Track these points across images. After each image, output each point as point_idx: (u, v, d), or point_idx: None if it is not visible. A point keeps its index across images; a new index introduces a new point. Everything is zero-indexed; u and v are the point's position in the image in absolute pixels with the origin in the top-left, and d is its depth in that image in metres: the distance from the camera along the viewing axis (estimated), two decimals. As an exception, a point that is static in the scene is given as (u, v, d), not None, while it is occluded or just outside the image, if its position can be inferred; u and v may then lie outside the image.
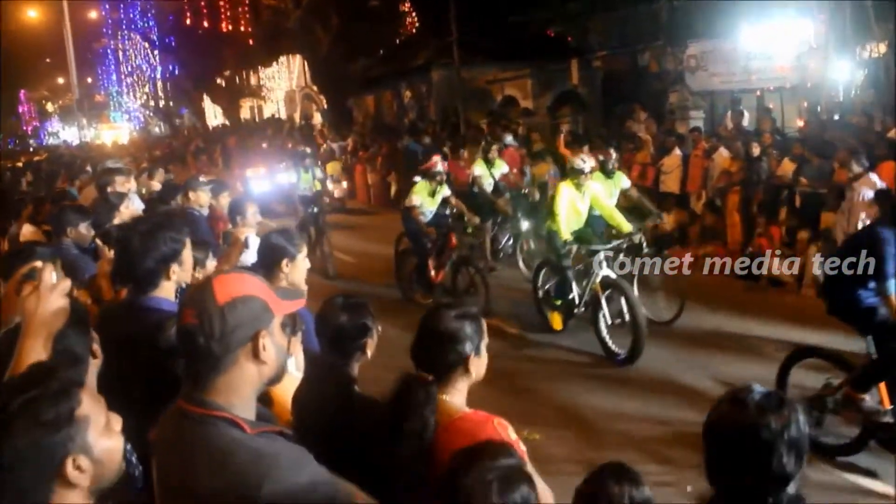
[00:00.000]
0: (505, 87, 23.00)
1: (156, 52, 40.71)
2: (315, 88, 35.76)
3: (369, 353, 2.90)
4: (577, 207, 8.43)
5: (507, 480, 1.85)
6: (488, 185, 12.06)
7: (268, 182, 18.99)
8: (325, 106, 33.48)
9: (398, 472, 2.29)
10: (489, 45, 22.13)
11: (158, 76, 42.15)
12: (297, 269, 3.67)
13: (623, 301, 7.79)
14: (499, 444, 2.10)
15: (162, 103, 43.84)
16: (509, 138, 15.87)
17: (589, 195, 8.46)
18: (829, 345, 6.28)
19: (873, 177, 8.84)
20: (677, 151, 12.70)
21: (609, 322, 7.91)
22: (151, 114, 44.13)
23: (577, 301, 8.48)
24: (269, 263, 3.63)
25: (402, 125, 24.70)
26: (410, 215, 9.85)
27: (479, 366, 2.57)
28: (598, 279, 8.03)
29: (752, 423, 1.86)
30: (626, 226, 8.33)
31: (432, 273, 9.94)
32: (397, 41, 30.32)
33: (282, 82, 45.37)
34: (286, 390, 2.96)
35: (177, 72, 41.27)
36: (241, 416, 1.86)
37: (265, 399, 2.98)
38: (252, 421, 1.89)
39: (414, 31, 30.29)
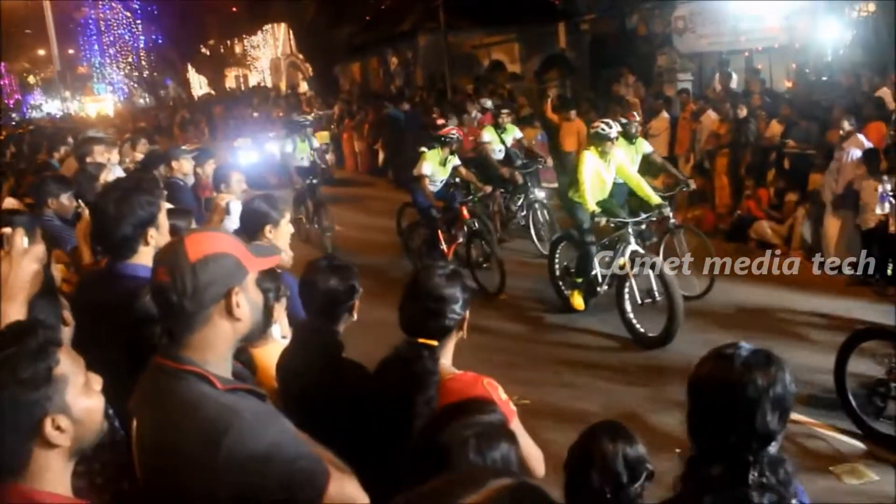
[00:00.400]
0: (492, 52, 22.82)
1: (138, 21, 40.17)
2: (300, 56, 35.46)
3: (355, 315, 2.86)
4: (601, 177, 7.81)
5: (486, 437, 1.81)
6: (499, 153, 11.41)
7: (258, 152, 18.56)
8: (311, 74, 33.17)
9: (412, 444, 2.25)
10: (475, 9, 21.88)
11: (142, 46, 41.62)
12: (281, 234, 3.63)
13: (653, 278, 7.29)
14: (480, 401, 2.07)
15: (146, 74, 43.33)
16: (488, 102, 15.78)
17: (614, 164, 7.84)
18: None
19: (861, 137, 8.81)
20: (665, 114, 12.64)
21: (639, 301, 7.37)
22: (136, 85, 43.63)
23: (599, 279, 7.94)
24: (251, 229, 3.59)
25: (389, 92, 24.50)
26: (419, 186, 9.44)
27: (467, 322, 2.56)
28: (627, 255, 7.49)
29: (738, 380, 1.83)
30: (655, 197, 7.68)
31: (444, 247, 9.50)
32: (382, 6, 29.92)
33: (267, 51, 44.90)
34: (271, 357, 2.94)
35: (160, 41, 40.76)
36: (214, 373, 1.86)
37: (250, 366, 2.97)
38: (224, 378, 1.89)
39: (399, -4, 29.95)
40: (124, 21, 38.78)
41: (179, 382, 1.84)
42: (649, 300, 7.35)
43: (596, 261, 7.90)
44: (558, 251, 8.62)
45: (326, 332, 2.76)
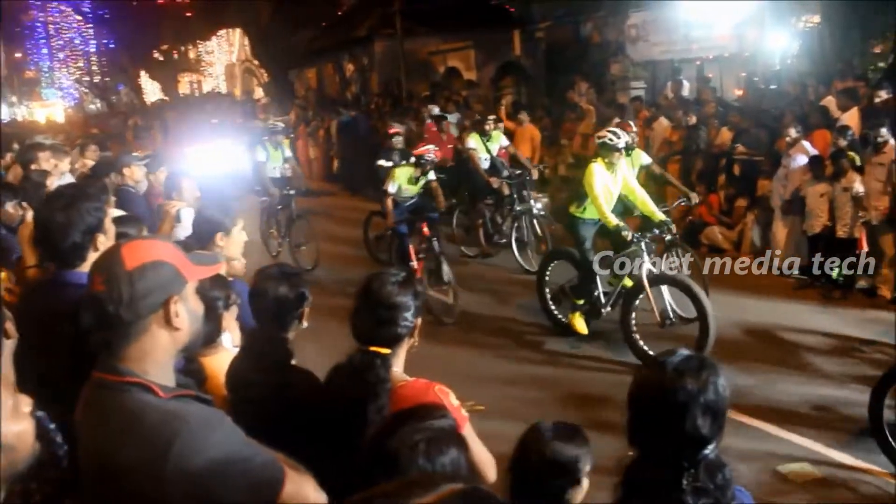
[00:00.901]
0: (447, 59, 22.87)
1: (89, 25, 39.45)
2: (256, 62, 35.17)
3: (305, 322, 2.85)
4: (609, 190, 7.25)
5: (436, 442, 1.79)
6: (484, 161, 10.70)
7: (220, 161, 17.43)
8: (267, 80, 32.93)
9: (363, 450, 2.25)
10: (432, 16, 21.94)
11: (93, 50, 40.89)
12: (233, 242, 3.59)
13: (667, 298, 6.86)
14: (430, 406, 2.07)
15: (97, 79, 42.61)
16: (435, 109, 15.84)
17: (621, 176, 7.33)
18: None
19: (807, 144, 9.02)
20: (617, 121, 12.77)
21: (661, 322, 6.83)
22: (86, 90, 42.86)
23: (602, 299, 7.40)
24: (203, 237, 3.55)
25: (345, 98, 24.42)
26: (383, 202, 9.13)
27: (419, 329, 2.57)
28: (644, 272, 6.85)
29: (668, 385, 1.85)
30: (659, 214, 7.26)
31: (414, 263, 8.77)
32: (339, 12, 29.88)
33: (222, 56, 44.53)
34: (221, 366, 2.91)
35: (112, 46, 40.09)
36: (156, 382, 1.83)
37: (200, 374, 2.94)
38: (167, 386, 1.85)
39: (355, 1, 29.88)
40: (75, 24, 38.02)
41: (121, 395, 1.80)
42: (668, 321, 6.85)
43: (599, 280, 7.38)
44: (549, 270, 8.03)
45: (276, 339, 2.75)
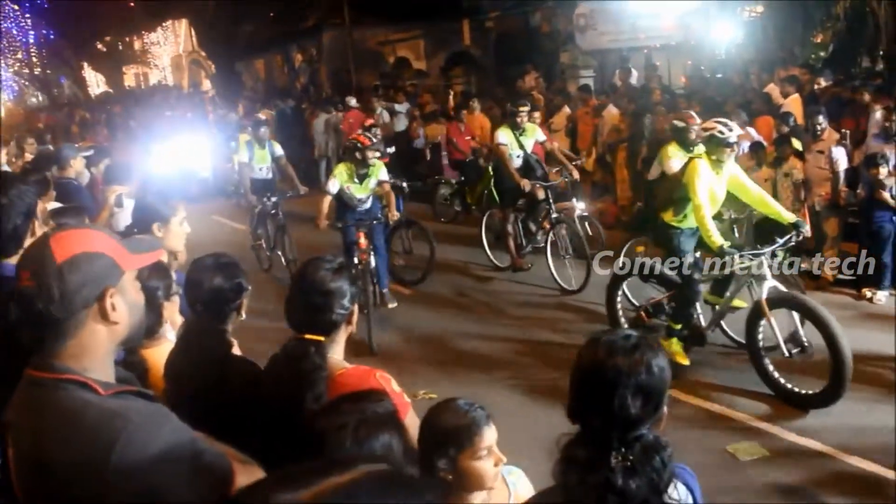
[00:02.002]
0: (397, 49, 22.78)
1: (27, 15, 38.35)
2: (203, 53, 34.58)
3: (243, 314, 2.80)
4: (714, 194, 6.05)
5: (366, 426, 1.75)
6: (517, 159, 9.05)
7: (179, 159, 16.09)
8: (214, 71, 32.41)
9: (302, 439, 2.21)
10: (380, 5, 21.78)
11: (32, 42, 39.77)
12: (172, 234, 3.48)
13: (798, 320, 5.69)
14: (369, 391, 2.03)
15: (37, 71, 41.46)
16: (353, 101, 15.83)
17: (727, 176, 6.11)
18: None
19: (751, 130, 9.16)
20: (566, 110, 12.88)
21: (786, 352, 5.68)
22: (26, 83, 41.71)
23: (702, 322, 6.37)
24: (141, 226, 3.46)
25: (294, 89, 24.16)
26: (321, 202, 8.01)
27: (353, 320, 2.52)
28: (764, 293, 5.74)
29: (599, 363, 1.84)
30: (787, 214, 6.05)
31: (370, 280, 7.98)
32: (286, 2, 29.51)
33: (168, 48, 43.64)
34: (163, 358, 2.84)
35: (52, 37, 39.03)
36: (95, 378, 1.74)
37: (142, 367, 2.87)
38: (107, 383, 1.77)
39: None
40: (11, 14, 36.90)
41: (58, 393, 1.71)
42: (797, 349, 5.68)
43: (699, 304, 6.36)
44: (622, 291, 6.91)
45: (213, 330, 2.68)
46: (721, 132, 5.91)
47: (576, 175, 9.17)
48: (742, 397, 5.86)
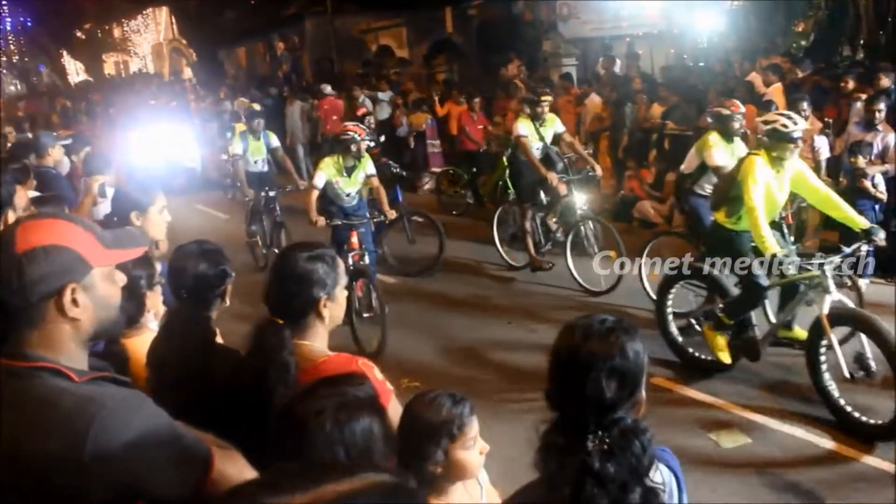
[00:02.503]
0: (380, 37, 22.67)
1: (3, 3, 37.92)
2: (184, 41, 34.32)
3: (227, 300, 2.78)
4: (772, 195, 5.46)
5: (346, 409, 1.72)
6: (537, 152, 8.51)
7: (164, 150, 15.70)
8: (196, 59, 32.18)
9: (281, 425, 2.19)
10: (363, -8, 21.75)
11: (9, 29, 39.32)
12: (151, 223, 3.43)
13: (865, 342, 5.00)
14: (346, 375, 2.02)
15: (15, 59, 41.01)
16: (328, 88, 15.78)
17: (790, 175, 5.53)
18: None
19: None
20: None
21: (847, 374, 5.01)
22: (4, 71, 41.27)
23: (755, 333, 5.80)
24: (120, 215, 3.42)
25: (276, 77, 24.02)
26: (308, 196, 7.46)
27: (333, 310, 2.49)
28: (826, 308, 5.13)
29: (574, 347, 1.84)
30: (861, 219, 5.42)
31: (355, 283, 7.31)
32: (268, -10, 29.34)
33: (148, 35, 43.30)
34: (145, 347, 2.81)
35: (30, 24, 38.60)
36: (69, 366, 1.72)
37: (122, 356, 2.85)
38: (81, 370, 1.75)
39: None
40: (-11, 3, 36.50)
41: (31, 381, 1.69)
42: (862, 372, 5.01)
43: (755, 315, 5.80)
44: (672, 294, 6.30)
45: (197, 318, 2.67)
46: (784, 125, 5.30)
47: (598, 171, 8.56)
48: (725, 384, 5.90)
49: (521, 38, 17.79)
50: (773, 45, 13.12)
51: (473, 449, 2.30)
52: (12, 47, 39.87)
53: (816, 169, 8.16)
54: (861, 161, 7.54)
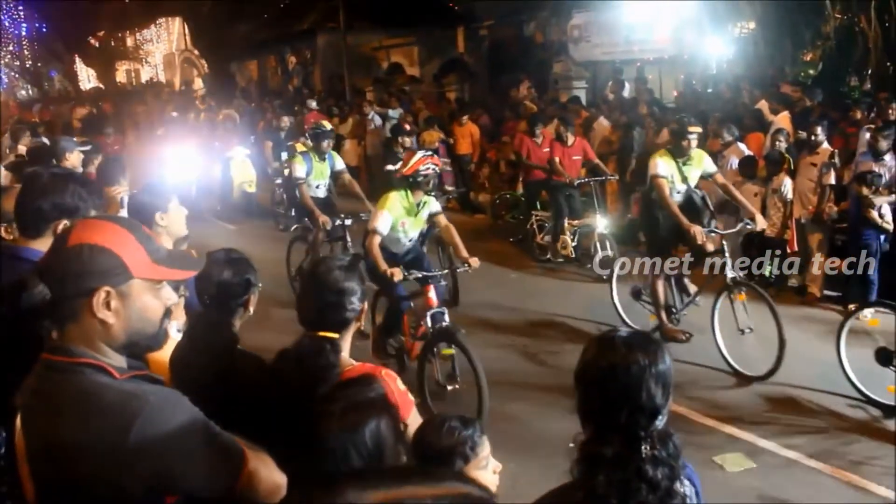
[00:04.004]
0: (391, 54, 22.85)
1: (20, 8, 38.23)
2: (196, 52, 34.55)
3: (251, 309, 2.85)
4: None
5: (355, 410, 1.75)
6: (676, 195, 7.01)
7: (196, 168, 14.12)
8: (207, 71, 32.38)
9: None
10: (376, 11, 21.88)
11: (24, 34, 39.63)
12: (173, 218, 3.55)
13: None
14: (359, 377, 2.07)
15: (28, 64, 41.32)
16: (313, 103, 15.71)
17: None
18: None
19: (741, 146, 9.27)
20: (556, 121, 12.93)
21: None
22: (17, 75, 41.52)
23: None
24: (144, 222, 3.49)
25: (287, 91, 24.18)
26: (367, 247, 6.00)
27: (362, 319, 2.60)
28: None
29: (621, 360, 1.92)
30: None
31: (407, 340, 6.45)
32: (282, 4, 29.53)
33: (161, 45, 43.65)
34: (163, 352, 2.87)
35: (45, 30, 38.90)
36: (110, 363, 1.78)
37: (141, 362, 2.90)
38: (121, 367, 1.81)
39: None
40: (4, 7, 36.72)
41: (74, 376, 1.75)
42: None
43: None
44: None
45: (221, 324, 2.73)
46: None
47: (761, 223, 7.08)
48: (732, 408, 5.93)
49: (531, 59, 17.95)
50: (782, 74, 13.24)
51: (487, 469, 2.36)
52: (26, 52, 40.14)
53: (821, 195, 8.21)
54: (867, 190, 7.59)
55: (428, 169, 6.16)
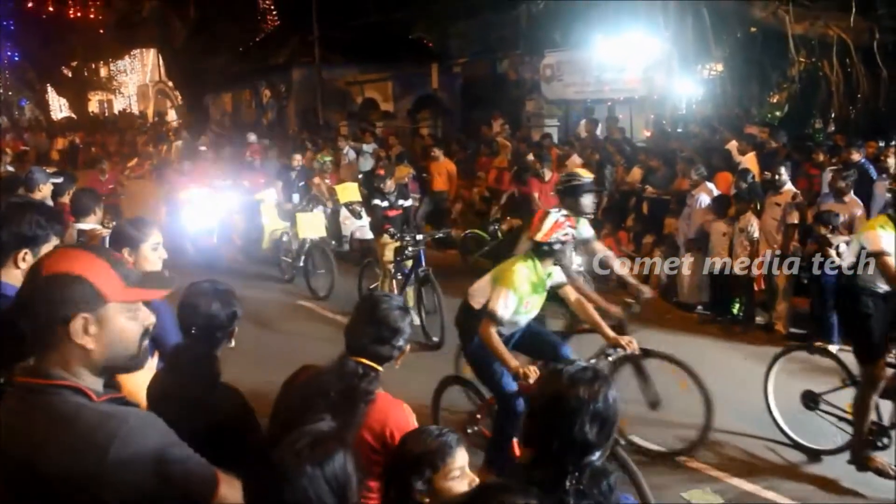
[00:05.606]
0: (365, 89, 23.02)
1: (-6, 37, 38.04)
2: (170, 84, 34.52)
3: (233, 341, 2.87)
4: None
5: (321, 446, 1.77)
6: None
7: (220, 216, 12.30)
8: (181, 102, 32.36)
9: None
10: (350, 46, 22.09)
11: (-4, 63, 39.38)
12: (142, 259, 3.40)
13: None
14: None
15: (-1, 92, 41.01)
16: (252, 137, 15.91)
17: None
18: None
19: (710, 185, 9.46)
20: (531, 157, 13.09)
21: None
22: (-13, 104, 41.15)
23: None
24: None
25: (261, 124, 24.23)
26: (484, 333, 4.70)
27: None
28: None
29: (562, 392, 2.00)
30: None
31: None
32: (257, 38, 29.70)
33: (134, 76, 43.53)
34: (138, 384, 2.87)
35: (16, 58, 38.65)
36: (88, 386, 1.82)
37: (112, 384, 2.90)
38: (98, 391, 1.85)
39: (274, 28, 29.77)
40: (-24, 35, 36.50)
41: (52, 398, 1.78)
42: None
43: None
44: None
45: (204, 356, 2.76)
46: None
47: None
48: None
49: (504, 96, 18.18)
50: (749, 115, 13.55)
51: (460, 480, 2.39)
52: (-3, 81, 39.87)
53: (786, 234, 8.38)
54: (825, 230, 7.73)
55: (566, 235, 4.88)
